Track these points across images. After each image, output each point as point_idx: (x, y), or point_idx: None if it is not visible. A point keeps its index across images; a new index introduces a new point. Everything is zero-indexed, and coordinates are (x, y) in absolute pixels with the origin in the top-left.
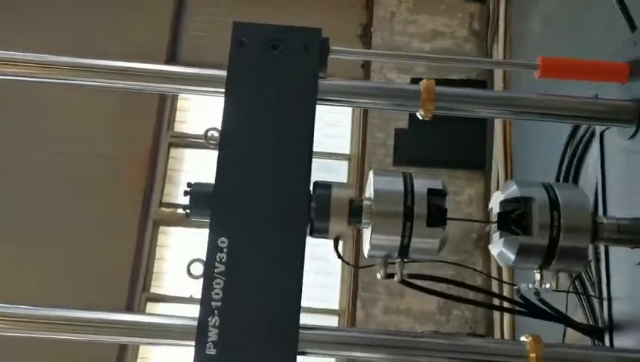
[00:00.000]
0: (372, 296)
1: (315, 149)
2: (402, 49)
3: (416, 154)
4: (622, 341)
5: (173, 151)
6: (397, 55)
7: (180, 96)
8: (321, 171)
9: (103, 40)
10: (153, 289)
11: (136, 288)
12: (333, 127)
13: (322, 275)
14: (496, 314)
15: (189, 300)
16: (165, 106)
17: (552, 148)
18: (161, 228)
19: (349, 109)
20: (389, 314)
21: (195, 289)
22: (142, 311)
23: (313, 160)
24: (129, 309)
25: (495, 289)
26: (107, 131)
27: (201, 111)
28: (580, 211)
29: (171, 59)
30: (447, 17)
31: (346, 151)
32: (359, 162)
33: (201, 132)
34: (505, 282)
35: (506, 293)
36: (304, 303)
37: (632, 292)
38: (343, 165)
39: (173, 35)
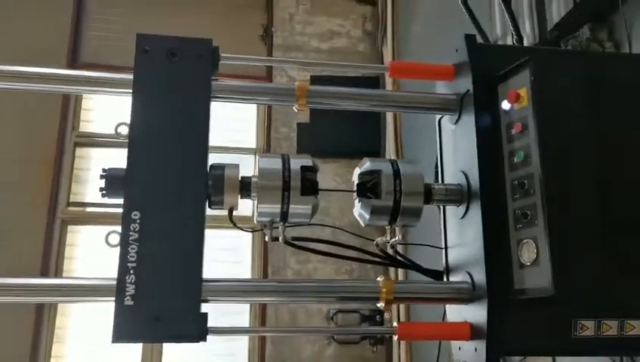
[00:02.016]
0: (282, 265)
1: (223, 144)
2: (302, 48)
3: (318, 145)
4: (454, 277)
5: (80, 151)
6: (276, 60)
7: (85, 95)
8: (231, 158)
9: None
10: None
11: None
12: (240, 122)
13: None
14: (391, 272)
15: None
16: (69, 106)
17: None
18: (70, 228)
19: (254, 107)
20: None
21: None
22: (53, 307)
23: (222, 155)
24: (40, 309)
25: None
26: (12, 132)
27: (106, 110)
28: (416, 180)
29: (73, 62)
30: (341, 18)
31: (253, 145)
32: (265, 150)
33: (107, 131)
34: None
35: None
36: (219, 275)
37: (459, 241)
38: (251, 158)
39: (74, 39)
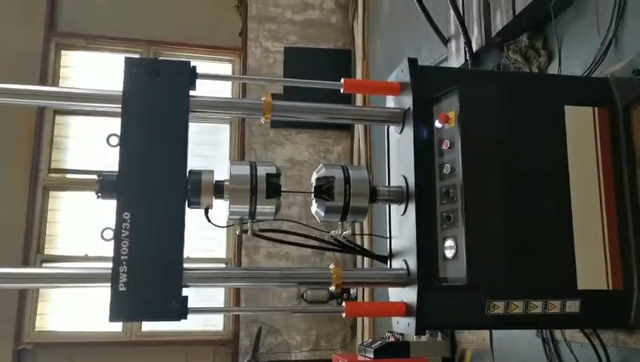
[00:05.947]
0: (255, 243)
1: None
2: (276, 19)
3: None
4: (395, 263)
5: (59, 118)
6: (252, 79)
7: (62, 64)
8: (208, 133)
9: None
10: (47, 251)
11: (31, 251)
12: (216, 94)
13: (213, 230)
14: (358, 256)
15: (84, 258)
16: (47, 77)
17: None
18: (52, 193)
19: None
20: (271, 259)
21: (89, 248)
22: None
23: (201, 124)
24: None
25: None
26: None
27: (84, 80)
28: (362, 184)
29: (50, 31)
30: None
31: (228, 115)
32: (240, 125)
33: None
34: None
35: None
36: (197, 254)
37: (398, 233)
38: (226, 127)
39: (50, 7)
